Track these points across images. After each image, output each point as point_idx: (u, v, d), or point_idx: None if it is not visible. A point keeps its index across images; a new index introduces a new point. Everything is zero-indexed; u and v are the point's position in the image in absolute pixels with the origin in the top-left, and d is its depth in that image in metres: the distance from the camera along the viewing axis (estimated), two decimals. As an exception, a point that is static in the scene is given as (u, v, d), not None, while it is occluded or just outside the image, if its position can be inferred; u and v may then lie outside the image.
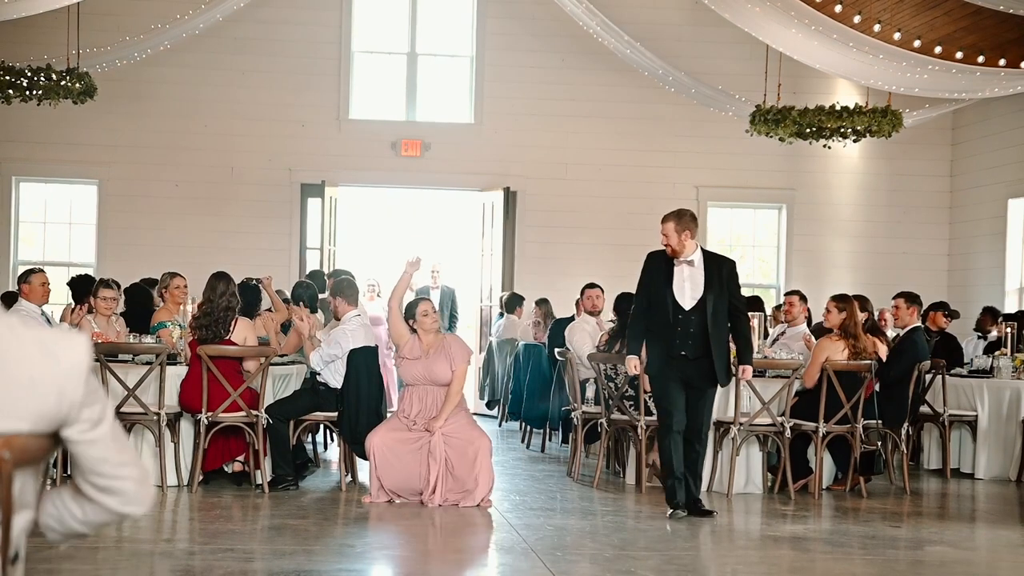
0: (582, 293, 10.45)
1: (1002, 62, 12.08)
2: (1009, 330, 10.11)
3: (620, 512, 7.77)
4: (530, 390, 11.31)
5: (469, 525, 7.19)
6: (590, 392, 9.28)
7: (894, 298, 9.65)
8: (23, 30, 13.02)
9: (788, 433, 8.38)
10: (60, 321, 9.53)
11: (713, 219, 15.32)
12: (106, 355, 7.86)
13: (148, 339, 8.16)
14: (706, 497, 7.92)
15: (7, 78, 11.57)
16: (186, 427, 8.23)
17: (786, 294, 10.37)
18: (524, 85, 14.86)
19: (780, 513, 7.79)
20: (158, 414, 7.88)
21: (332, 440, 10.75)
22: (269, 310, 9.77)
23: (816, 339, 9.02)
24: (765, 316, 10.32)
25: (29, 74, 11.61)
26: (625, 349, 8.69)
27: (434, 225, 18.48)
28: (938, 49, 12.16)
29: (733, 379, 7.75)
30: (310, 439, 9.83)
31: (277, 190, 14.57)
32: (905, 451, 9.10)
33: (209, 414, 7.94)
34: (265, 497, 7.87)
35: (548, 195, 14.84)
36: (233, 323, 8.16)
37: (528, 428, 11.49)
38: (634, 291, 9.15)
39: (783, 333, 9.71)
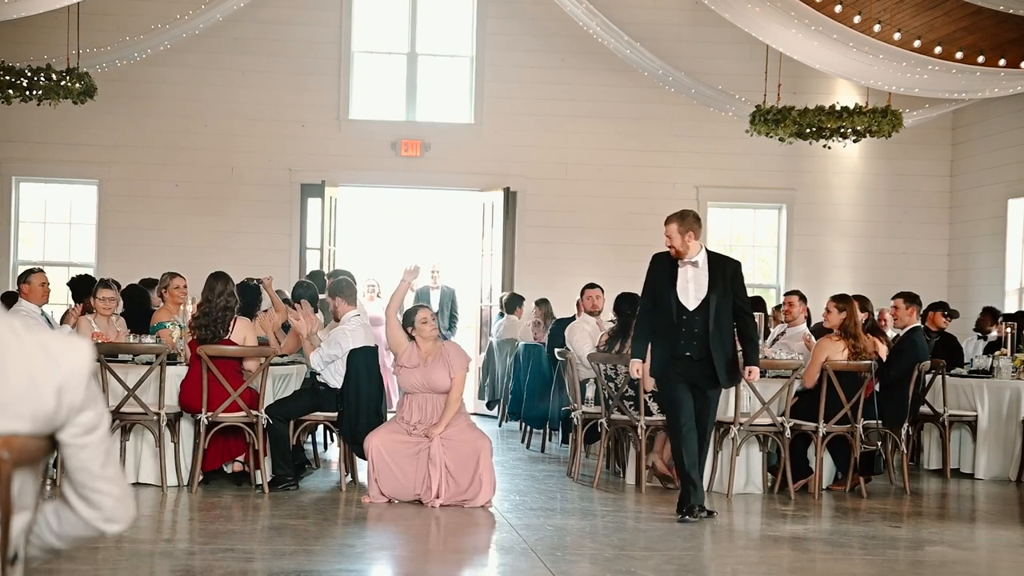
0: (582, 293, 10.45)
1: (1002, 62, 12.08)
2: (1009, 330, 10.11)
3: (620, 512, 7.77)
4: (530, 390, 11.31)
5: (469, 525, 7.19)
6: (590, 392, 9.28)
7: (893, 298, 9.65)
8: (23, 30, 13.02)
9: (788, 433, 8.38)
10: (61, 322, 9.53)
11: (713, 219, 15.31)
12: (106, 355, 7.86)
13: (148, 339, 8.16)
14: (706, 497, 7.91)
15: (7, 78, 11.57)
16: (186, 427, 8.23)
17: (786, 294, 10.37)
18: (524, 85, 14.86)
19: (780, 513, 7.79)
20: (158, 414, 7.88)
21: (332, 440, 10.75)
22: (267, 310, 9.77)
23: (816, 339, 9.02)
24: (767, 316, 10.33)
25: (29, 74, 11.61)
26: (625, 349, 8.71)
27: (434, 225, 18.49)
28: (938, 49, 12.16)
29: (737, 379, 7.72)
30: (309, 439, 9.82)
31: (277, 190, 14.57)
32: (905, 451, 9.10)
33: (209, 414, 7.94)
34: (265, 497, 7.87)
35: (548, 195, 14.84)
36: (232, 323, 8.15)
37: (528, 428, 11.49)
38: (634, 291, 9.15)
39: (783, 333, 9.71)
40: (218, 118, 14.50)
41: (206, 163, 14.46)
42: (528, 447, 11.26)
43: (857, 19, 11.78)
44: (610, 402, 8.74)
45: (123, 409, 7.81)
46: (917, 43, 12.18)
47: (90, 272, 12.91)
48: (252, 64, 14.53)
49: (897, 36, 11.97)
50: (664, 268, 7.40)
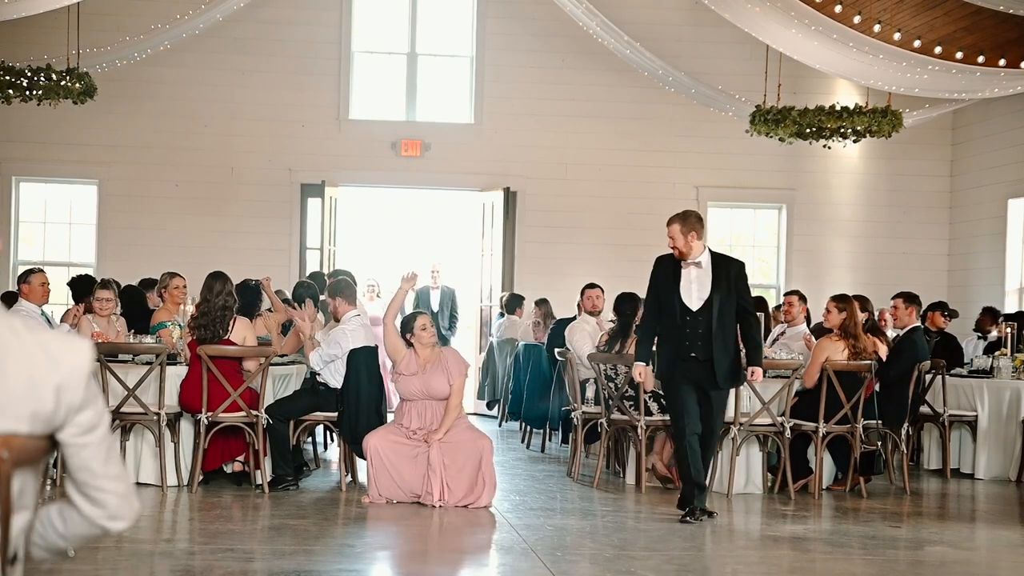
0: (582, 293, 10.44)
1: (1002, 62, 12.07)
2: (1009, 330, 10.11)
3: (620, 512, 7.77)
4: (530, 390, 11.31)
5: (469, 525, 7.19)
6: (590, 392, 9.28)
7: (893, 298, 9.65)
8: (23, 30, 13.02)
9: (788, 433, 8.38)
10: (60, 322, 9.53)
11: (713, 219, 15.31)
12: (106, 355, 7.86)
13: (148, 339, 8.16)
14: (707, 497, 7.91)
15: (7, 78, 11.57)
16: (186, 427, 8.23)
17: (785, 294, 10.37)
18: (524, 85, 14.86)
19: (780, 513, 7.79)
20: (158, 414, 7.88)
21: (332, 440, 10.75)
22: (269, 310, 9.77)
23: (816, 339, 9.02)
24: (768, 316, 10.33)
25: (29, 74, 11.61)
26: (625, 349, 8.72)
27: (434, 225, 18.49)
28: (938, 49, 12.16)
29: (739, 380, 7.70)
30: (309, 439, 9.82)
31: (277, 190, 14.57)
32: (905, 451, 9.10)
33: (209, 414, 7.94)
34: (265, 497, 7.87)
35: (548, 195, 14.84)
36: (232, 323, 8.15)
37: (528, 428, 11.49)
38: (634, 291, 9.14)
39: (783, 333, 9.71)
40: (218, 118, 14.50)
41: (206, 163, 14.46)
42: (528, 447, 11.26)
43: (857, 19, 11.78)
44: (610, 402, 8.74)
45: (123, 409, 7.82)
46: (917, 43, 12.18)
47: (90, 272, 12.90)
48: (252, 64, 14.53)
49: (897, 36, 11.97)
50: (668, 269, 7.39)
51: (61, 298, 12.14)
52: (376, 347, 8.48)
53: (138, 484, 8.04)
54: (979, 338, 12.06)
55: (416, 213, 18.39)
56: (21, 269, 11.03)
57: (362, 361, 8.23)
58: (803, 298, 9.83)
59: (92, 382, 2.10)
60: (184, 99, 14.42)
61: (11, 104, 12.08)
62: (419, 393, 7.82)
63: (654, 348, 7.54)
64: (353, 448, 8.28)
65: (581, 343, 9.60)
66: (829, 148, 12.90)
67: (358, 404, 8.18)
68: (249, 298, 8.93)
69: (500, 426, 12.60)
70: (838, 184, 15.42)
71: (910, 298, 9.54)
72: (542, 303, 12.39)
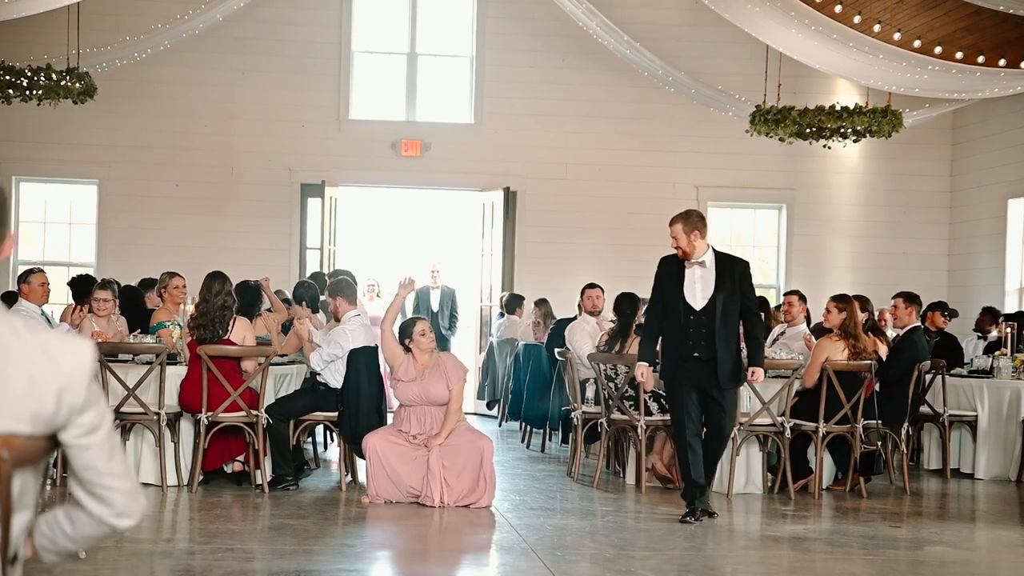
0: (582, 293, 10.44)
1: (1002, 62, 12.07)
2: (1009, 330, 10.11)
3: (620, 512, 7.77)
4: (530, 390, 11.31)
5: (469, 525, 7.19)
6: (590, 392, 9.28)
7: (893, 298, 9.64)
8: (23, 30, 13.01)
9: (788, 433, 8.38)
10: (60, 321, 9.53)
11: (713, 219, 15.28)
12: (106, 355, 7.86)
13: (148, 339, 8.16)
14: (708, 498, 7.91)
15: (7, 78, 11.57)
16: (186, 427, 8.23)
17: (785, 294, 10.37)
18: (524, 85, 14.86)
19: (780, 513, 7.79)
20: (158, 414, 7.88)
21: (332, 440, 10.75)
22: (269, 310, 9.77)
23: (816, 339, 9.02)
24: (770, 316, 10.33)
25: (29, 74, 11.61)
26: (625, 349, 8.72)
27: (434, 225, 18.49)
28: (938, 49, 12.16)
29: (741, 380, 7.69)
30: (309, 439, 9.82)
31: (277, 190, 14.57)
32: (905, 451, 9.10)
33: (209, 414, 7.94)
34: (265, 497, 7.87)
35: (548, 195, 14.84)
36: (231, 323, 8.15)
37: (528, 428, 11.49)
38: (634, 291, 9.14)
39: (783, 333, 9.71)
40: (218, 118, 14.49)
41: (206, 163, 14.46)
42: (528, 447, 11.26)
43: (857, 19, 11.77)
44: (610, 402, 8.74)
45: (123, 409, 7.82)
46: (917, 43, 12.18)
47: (90, 272, 12.90)
48: (252, 64, 14.52)
49: (897, 36, 11.97)
50: (671, 270, 7.38)
51: (61, 298, 12.13)
52: (376, 347, 8.48)
53: (138, 484, 8.04)
54: (979, 338, 12.06)
55: (416, 213, 18.39)
56: (21, 269, 11.03)
57: (362, 361, 8.23)
58: (803, 298, 9.83)
59: (94, 383, 2.10)
60: (184, 99, 14.42)
61: (11, 104, 12.08)
62: (418, 399, 7.81)
63: (658, 348, 7.53)
64: (353, 448, 8.28)
65: (581, 343, 9.60)
66: (829, 148, 12.90)
67: (358, 404, 8.18)
68: (249, 298, 8.93)
69: (500, 426, 12.60)
70: (838, 184, 15.42)
71: (910, 298, 9.54)
72: (542, 303, 12.39)
